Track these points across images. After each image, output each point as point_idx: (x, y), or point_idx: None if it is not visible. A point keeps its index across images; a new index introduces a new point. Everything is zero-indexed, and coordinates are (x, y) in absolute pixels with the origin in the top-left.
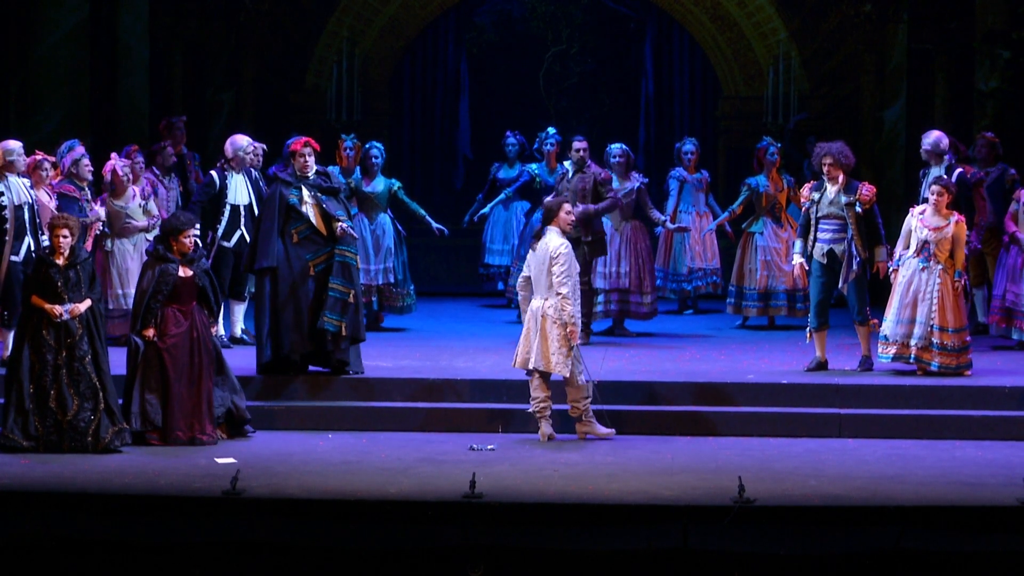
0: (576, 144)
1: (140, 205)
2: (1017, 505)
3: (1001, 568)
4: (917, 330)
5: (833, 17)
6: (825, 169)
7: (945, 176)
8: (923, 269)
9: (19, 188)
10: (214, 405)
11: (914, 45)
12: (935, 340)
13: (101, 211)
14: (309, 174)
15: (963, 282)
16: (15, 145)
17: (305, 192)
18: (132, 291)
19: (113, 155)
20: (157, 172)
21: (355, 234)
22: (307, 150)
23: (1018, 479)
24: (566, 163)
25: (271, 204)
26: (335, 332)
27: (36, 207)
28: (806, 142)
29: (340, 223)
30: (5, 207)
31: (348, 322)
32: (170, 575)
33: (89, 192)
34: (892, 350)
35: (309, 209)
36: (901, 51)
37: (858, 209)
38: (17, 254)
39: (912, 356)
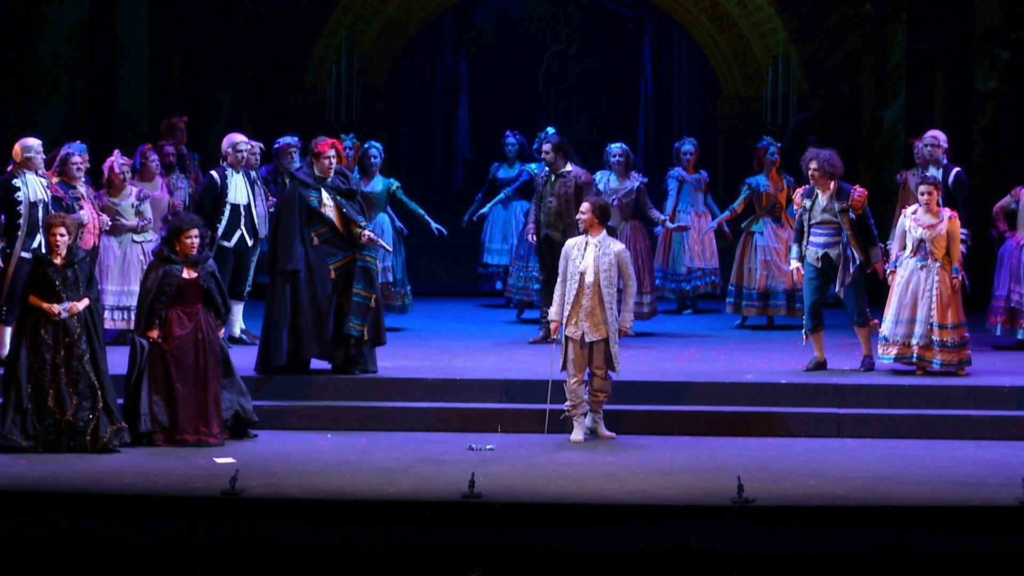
0: (544, 147)
1: (133, 205)
2: (1016, 505)
3: (1000, 568)
4: (918, 329)
5: (832, 17)
6: (810, 173)
7: (933, 175)
8: (921, 268)
9: (36, 185)
10: (222, 407)
11: (913, 45)
12: (935, 338)
13: (84, 215)
14: (330, 176)
15: (960, 278)
16: (33, 143)
17: (324, 195)
18: (109, 287)
19: (116, 152)
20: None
21: (385, 244)
22: (332, 152)
23: (1017, 479)
24: (538, 165)
25: (291, 205)
26: (359, 337)
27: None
28: (807, 142)
29: (365, 232)
30: (20, 203)
31: (370, 327)
32: (169, 575)
33: (84, 191)
34: (893, 351)
35: (330, 212)
36: (900, 51)
37: (851, 215)
38: (28, 251)
39: (914, 356)
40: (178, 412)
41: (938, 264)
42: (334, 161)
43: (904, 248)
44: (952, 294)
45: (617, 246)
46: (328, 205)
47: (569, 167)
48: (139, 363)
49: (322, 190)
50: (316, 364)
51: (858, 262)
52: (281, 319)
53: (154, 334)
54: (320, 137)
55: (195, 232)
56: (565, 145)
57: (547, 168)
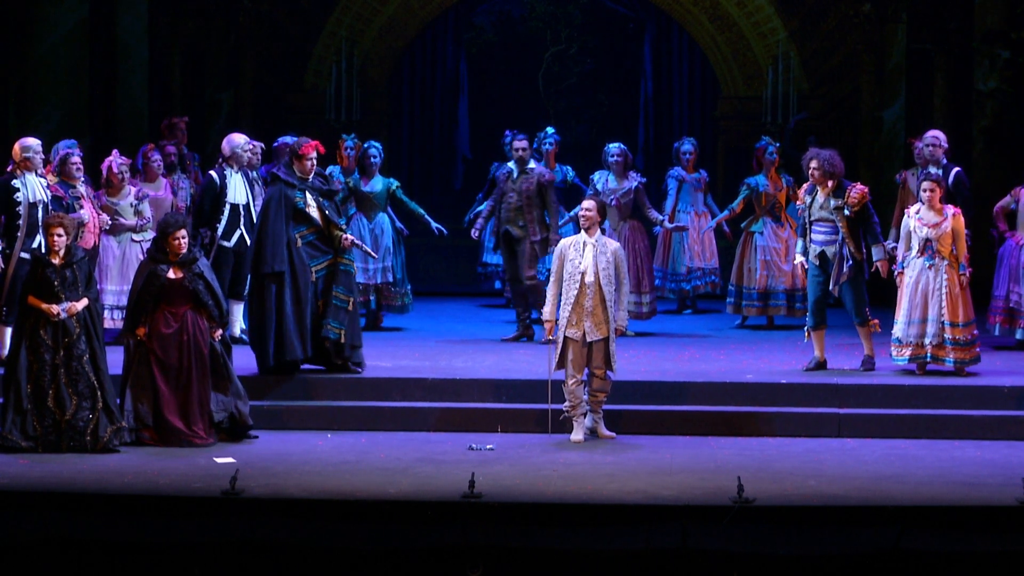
0: (516, 144)
1: (132, 205)
2: (1016, 505)
3: (1000, 568)
4: (930, 328)
5: (832, 17)
6: (810, 172)
7: (936, 172)
8: (929, 267)
9: (35, 186)
10: (213, 410)
11: (913, 45)
12: (948, 336)
13: (84, 214)
14: (310, 176)
15: (968, 275)
16: (32, 142)
17: (308, 196)
18: (108, 287)
19: (114, 151)
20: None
21: (368, 249)
22: (315, 154)
23: (1017, 479)
24: (510, 163)
25: (278, 205)
26: (336, 340)
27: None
28: (807, 142)
29: (347, 236)
30: (20, 203)
31: (347, 330)
32: (169, 575)
33: (84, 190)
34: (907, 352)
35: (314, 212)
36: (900, 51)
37: (847, 212)
38: (28, 251)
39: (928, 355)
40: (162, 411)
41: (946, 262)
42: (315, 163)
43: (910, 248)
44: (961, 291)
45: (613, 244)
46: (312, 206)
47: (532, 164)
48: (126, 361)
49: (306, 191)
50: (309, 365)
51: (851, 261)
52: (268, 320)
53: (140, 332)
54: (303, 138)
55: (183, 232)
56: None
57: (509, 165)
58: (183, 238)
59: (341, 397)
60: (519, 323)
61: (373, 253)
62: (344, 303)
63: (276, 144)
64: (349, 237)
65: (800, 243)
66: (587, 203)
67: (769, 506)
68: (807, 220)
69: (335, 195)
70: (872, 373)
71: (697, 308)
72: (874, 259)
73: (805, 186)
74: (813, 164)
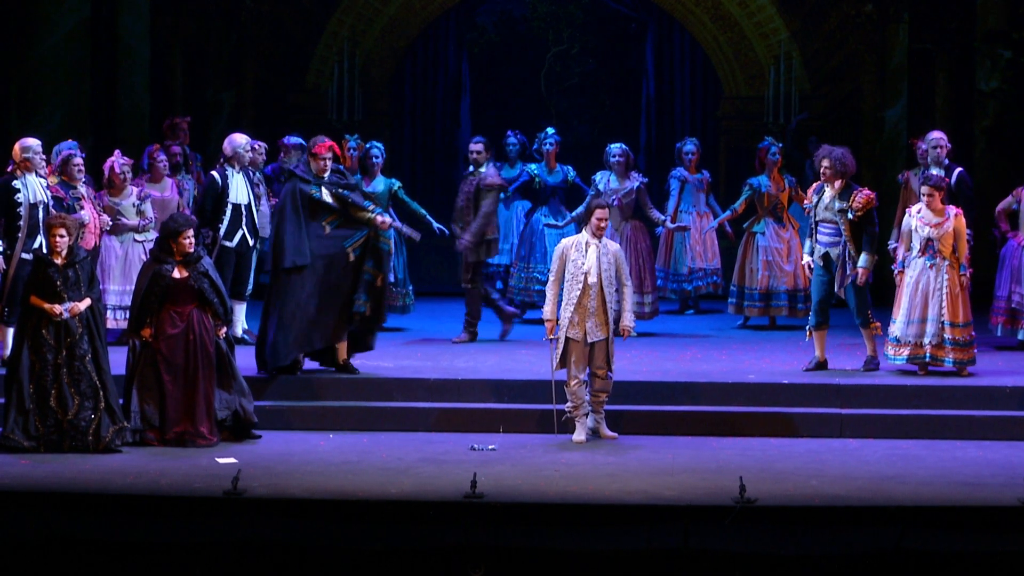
0: (471, 146)
1: (134, 205)
2: (1018, 505)
3: (1002, 568)
4: (929, 328)
5: (834, 17)
6: (822, 171)
7: (936, 174)
8: (931, 267)
9: (36, 187)
10: (216, 408)
11: (915, 45)
12: (947, 336)
13: (85, 215)
14: (325, 176)
15: (968, 276)
16: (32, 143)
17: (324, 191)
18: (111, 287)
19: (116, 152)
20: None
21: (402, 227)
22: (329, 154)
23: (1019, 479)
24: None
25: (294, 201)
26: (363, 313)
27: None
28: (808, 142)
29: (385, 219)
30: (20, 204)
31: (372, 303)
32: (170, 575)
33: (85, 191)
34: (905, 351)
35: (329, 199)
36: (902, 51)
37: (850, 216)
38: (29, 252)
39: (927, 355)
40: (167, 411)
41: (946, 263)
42: (329, 163)
43: (910, 248)
44: (961, 291)
45: (614, 246)
46: (327, 197)
47: (483, 168)
48: (131, 362)
49: (322, 187)
50: (311, 364)
51: (853, 264)
52: (289, 315)
53: (146, 333)
54: (319, 137)
55: (191, 232)
56: (491, 148)
57: (472, 167)
58: (191, 236)
59: (343, 397)
60: (466, 326)
61: (414, 235)
62: (372, 277)
63: (280, 142)
64: (388, 220)
65: (808, 243)
66: (602, 212)
67: (771, 506)
68: (813, 219)
69: (356, 188)
70: (874, 373)
71: (699, 308)
72: (858, 265)
73: (815, 184)
74: (824, 163)
